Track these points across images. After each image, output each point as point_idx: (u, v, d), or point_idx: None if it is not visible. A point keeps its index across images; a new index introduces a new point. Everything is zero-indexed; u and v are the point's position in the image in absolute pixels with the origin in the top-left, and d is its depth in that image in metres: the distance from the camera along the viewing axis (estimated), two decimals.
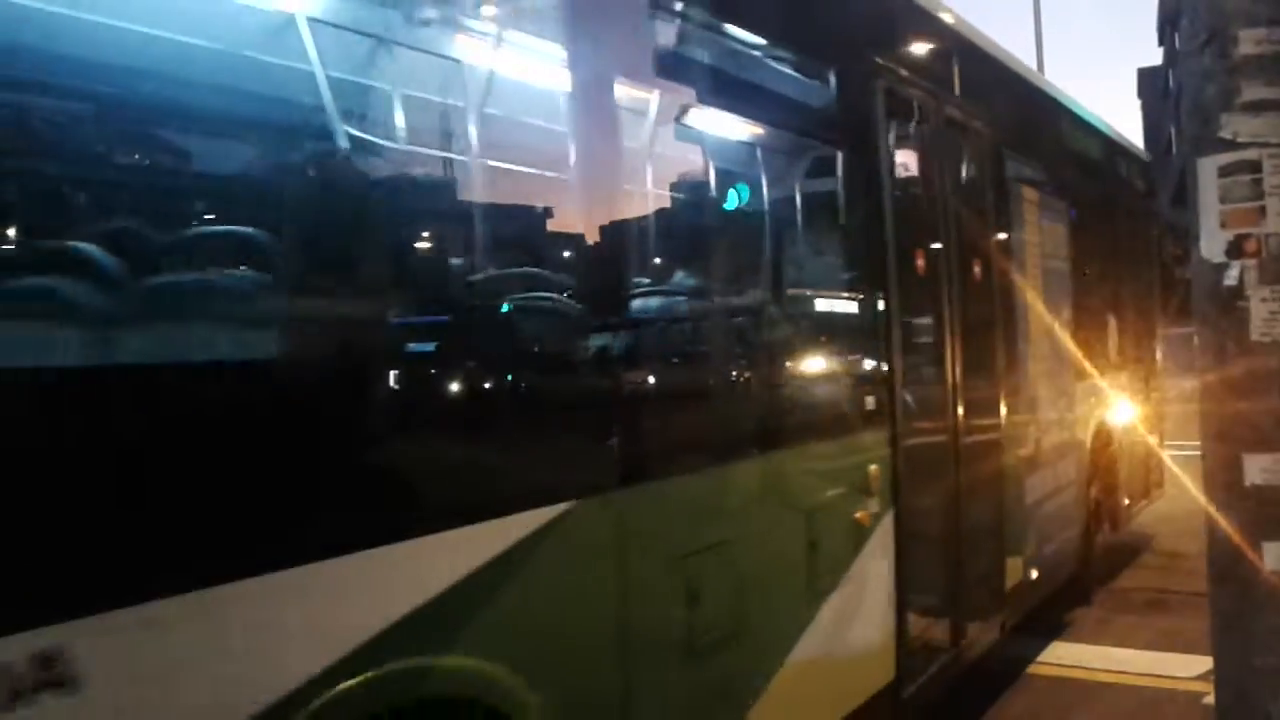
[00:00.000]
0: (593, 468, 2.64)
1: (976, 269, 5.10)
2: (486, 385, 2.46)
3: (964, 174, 5.15)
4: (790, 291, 4.11)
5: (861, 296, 4.19)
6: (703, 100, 3.33)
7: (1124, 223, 8.21)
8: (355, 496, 2.02)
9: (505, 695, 2.24)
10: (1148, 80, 44.49)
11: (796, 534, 3.58)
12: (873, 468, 3.98)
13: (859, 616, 3.91)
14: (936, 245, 4.75)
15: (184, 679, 1.68)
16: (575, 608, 2.53)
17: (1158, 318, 9.08)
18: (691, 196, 3.74)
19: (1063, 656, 5.86)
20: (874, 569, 3.98)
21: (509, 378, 2.54)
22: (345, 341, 2.17)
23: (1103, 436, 7.07)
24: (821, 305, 4.22)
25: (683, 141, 3.63)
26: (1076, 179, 6.99)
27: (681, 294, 3.42)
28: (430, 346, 2.40)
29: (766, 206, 4.04)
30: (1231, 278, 2.81)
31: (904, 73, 4.47)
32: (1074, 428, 6.53)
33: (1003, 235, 5.48)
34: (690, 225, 3.72)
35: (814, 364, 4.08)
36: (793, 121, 4.04)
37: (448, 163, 2.69)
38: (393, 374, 2.24)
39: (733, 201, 3.91)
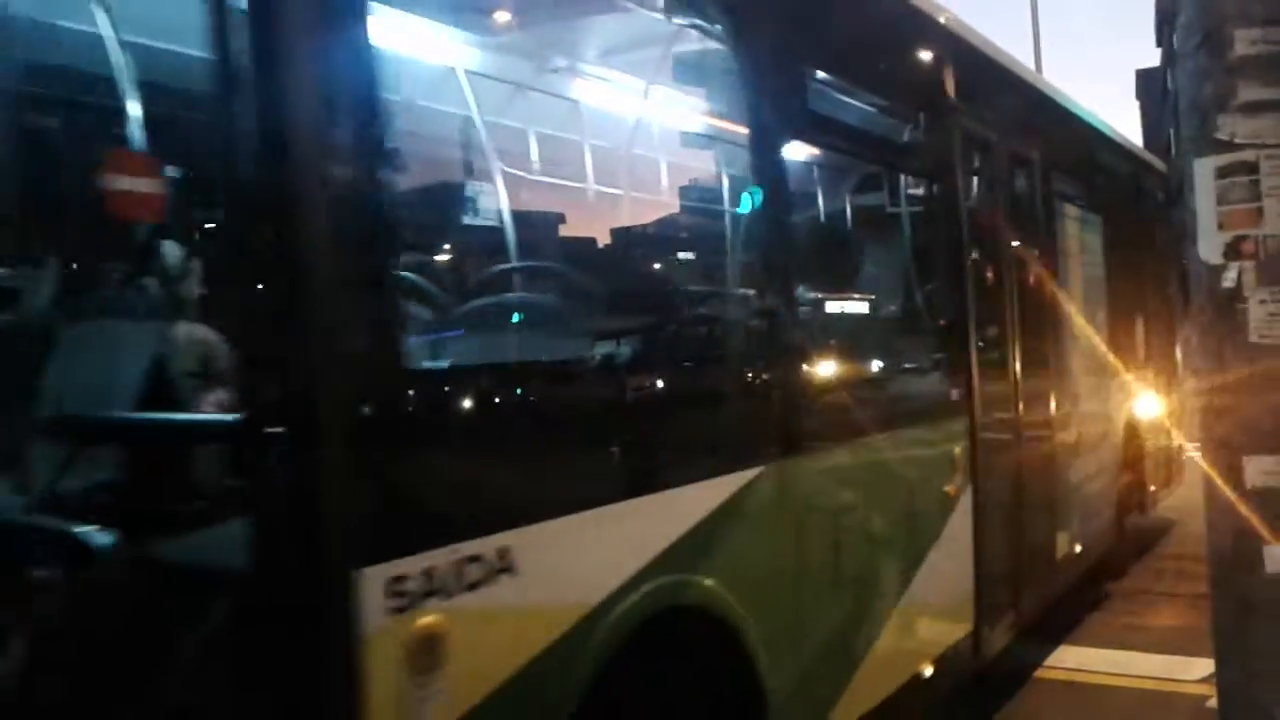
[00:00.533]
0: (774, 444, 3.39)
1: (1031, 280, 5.82)
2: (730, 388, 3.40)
3: (1021, 195, 5.93)
4: (906, 305, 5.15)
5: (948, 312, 4.95)
6: (854, 155, 4.87)
7: (1147, 230, 8.95)
8: (667, 455, 2.94)
9: (721, 603, 2.99)
10: (1146, 81, 44.10)
11: (908, 499, 4.30)
12: (957, 451, 4.67)
13: (948, 573, 4.57)
14: (1000, 263, 5.49)
15: (570, 567, 2.52)
16: (761, 542, 3.28)
17: (1177, 319, 9.66)
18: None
19: (1068, 660, 5.83)
20: (958, 534, 4.64)
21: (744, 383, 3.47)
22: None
23: (1131, 429, 7.70)
24: (923, 317, 5.08)
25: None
26: (1108, 193, 7.62)
27: (842, 311, 4.47)
28: (716, 358, 3.54)
29: (904, 248, 5.21)
30: (1229, 279, 2.79)
31: (975, 114, 5.26)
32: (1109, 421, 7.20)
33: (1051, 249, 6.21)
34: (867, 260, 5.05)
35: (920, 362, 4.87)
36: (906, 164, 5.08)
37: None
38: (703, 378, 3.35)
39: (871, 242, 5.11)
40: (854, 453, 3.89)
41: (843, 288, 4.69)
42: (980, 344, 5.03)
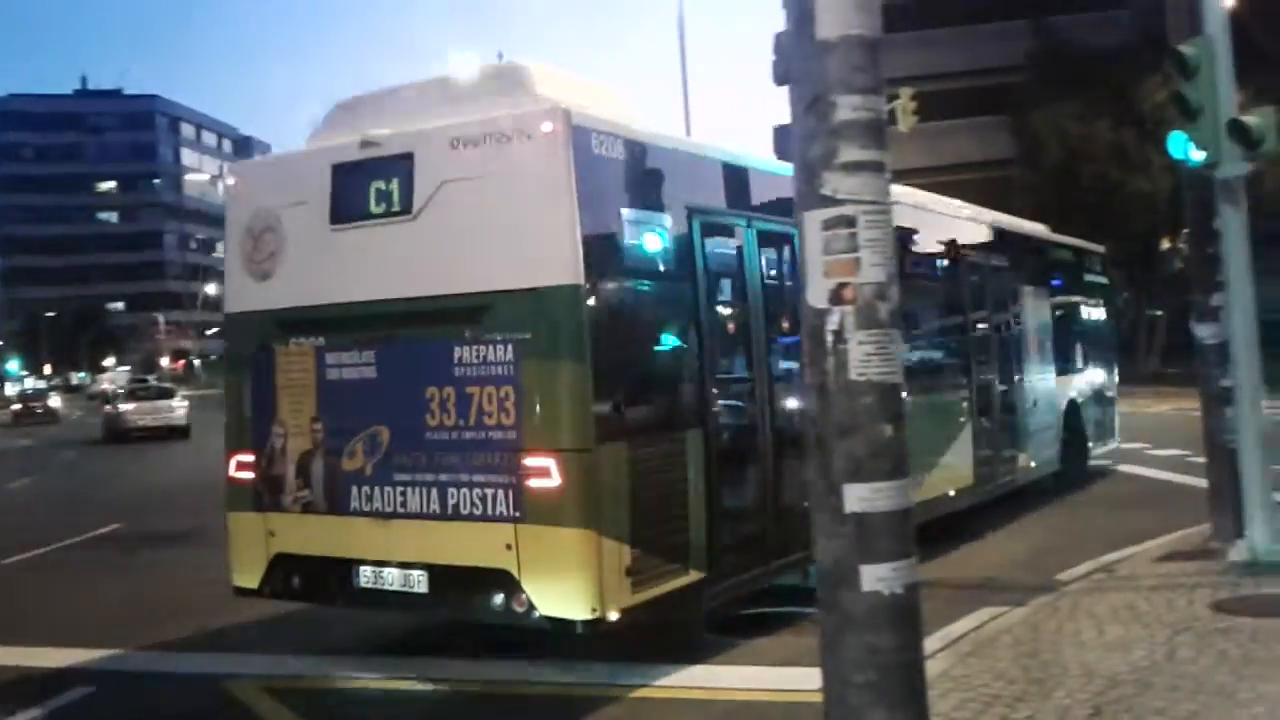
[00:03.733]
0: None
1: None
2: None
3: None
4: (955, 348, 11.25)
5: (984, 349, 11.57)
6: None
7: (1096, 291, 15.48)
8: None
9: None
10: (781, 138, 47.96)
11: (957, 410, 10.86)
12: (966, 396, 10.98)
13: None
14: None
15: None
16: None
17: (1114, 352, 16.51)
18: None
19: (693, 678, 6.05)
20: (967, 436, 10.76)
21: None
22: None
23: (1073, 405, 13.89)
24: (960, 353, 11.06)
25: None
26: (1091, 285, 15.29)
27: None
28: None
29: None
30: (833, 323, 3.05)
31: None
32: (1059, 396, 13.50)
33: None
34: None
35: (967, 370, 11.06)
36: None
37: None
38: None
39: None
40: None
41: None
42: (981, 359, 11.08)
